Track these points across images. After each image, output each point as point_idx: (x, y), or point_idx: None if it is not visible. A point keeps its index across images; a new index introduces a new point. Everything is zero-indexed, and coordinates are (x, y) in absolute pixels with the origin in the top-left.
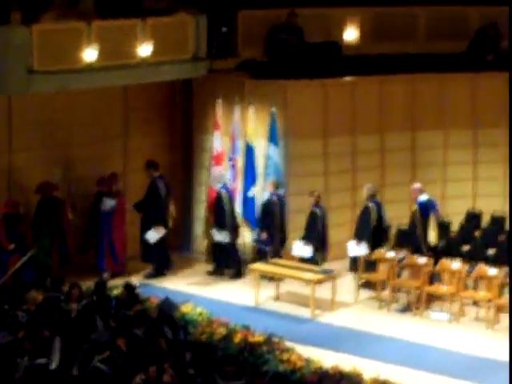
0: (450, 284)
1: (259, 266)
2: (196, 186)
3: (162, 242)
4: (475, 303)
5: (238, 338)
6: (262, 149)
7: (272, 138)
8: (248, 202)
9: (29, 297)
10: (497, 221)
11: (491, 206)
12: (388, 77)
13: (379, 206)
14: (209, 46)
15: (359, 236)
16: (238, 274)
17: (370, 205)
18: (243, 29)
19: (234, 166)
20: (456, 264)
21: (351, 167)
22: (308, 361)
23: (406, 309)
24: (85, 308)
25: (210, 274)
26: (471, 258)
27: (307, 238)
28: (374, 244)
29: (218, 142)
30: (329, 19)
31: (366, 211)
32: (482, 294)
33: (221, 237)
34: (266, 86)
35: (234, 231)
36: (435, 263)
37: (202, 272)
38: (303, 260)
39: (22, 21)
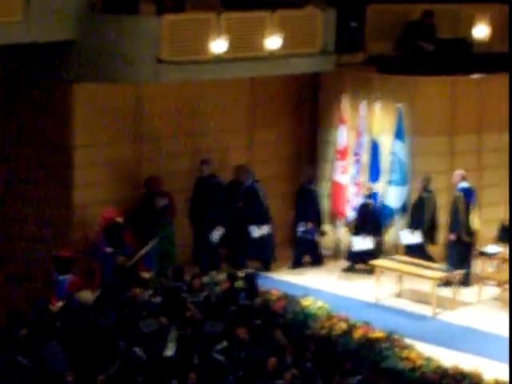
0: None
1: (381, 261)
2: (320, 179)
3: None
4: None
5: (358, 334)
6: (388, 145)
7: (398, 135)
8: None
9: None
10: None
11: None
12: None
13: (434, 196)
14: (337, 40)
15: (414, 225)
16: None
17: (426, 195)
18: (372, 23)
19: (358, 161)
20: None
21: (477, 166)
22: (428, 359)
23: None
24: (206, 299)
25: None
26: None
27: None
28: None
29: (343, 137)
30: (458, 15)
31: (421, 201)
32: None
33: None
34: (393, 81)
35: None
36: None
37: (324, 267)
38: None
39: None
